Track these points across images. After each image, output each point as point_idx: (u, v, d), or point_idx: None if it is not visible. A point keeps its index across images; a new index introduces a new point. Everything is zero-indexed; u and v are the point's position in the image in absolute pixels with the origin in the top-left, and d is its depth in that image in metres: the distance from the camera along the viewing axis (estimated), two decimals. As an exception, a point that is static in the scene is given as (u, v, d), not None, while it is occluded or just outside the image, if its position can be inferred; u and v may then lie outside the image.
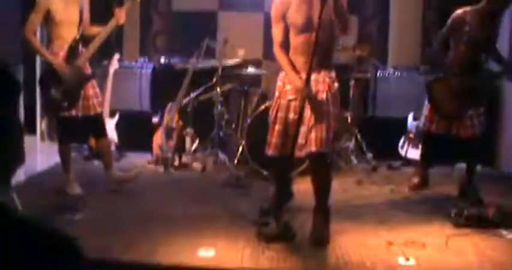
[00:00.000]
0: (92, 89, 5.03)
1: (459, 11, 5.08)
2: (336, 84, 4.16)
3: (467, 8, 5.06)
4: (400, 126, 6.59)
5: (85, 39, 5.05)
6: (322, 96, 4.04)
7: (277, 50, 4.19)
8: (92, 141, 6.15)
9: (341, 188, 5.42)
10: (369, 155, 6.45)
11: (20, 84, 1.38)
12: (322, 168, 4.16)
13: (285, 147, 4.12)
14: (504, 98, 6.62)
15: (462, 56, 5.12)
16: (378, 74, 6.93)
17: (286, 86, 4.16)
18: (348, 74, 6.51)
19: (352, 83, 6.51)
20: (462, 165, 5.51)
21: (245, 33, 7.25)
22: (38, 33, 5.19)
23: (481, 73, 5.18)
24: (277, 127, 4.16)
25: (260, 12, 7.36)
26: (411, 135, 6.46)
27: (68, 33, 4.90)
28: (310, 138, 4.00)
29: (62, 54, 4.89)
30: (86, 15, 5.04)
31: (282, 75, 4.23)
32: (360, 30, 7.41)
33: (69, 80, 4.87)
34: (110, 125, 6.25)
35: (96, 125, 5.19)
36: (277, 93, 4.22)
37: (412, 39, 7.17)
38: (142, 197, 5.10)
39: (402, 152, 6.55)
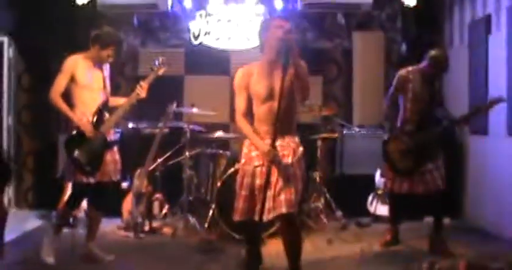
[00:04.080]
0: (110, 155, 5.00)
1: (403, 71, 5.48)
2: (301, 149, 4.24)
3: (410, 68, 5.46)
4: (368, 183, 6.69)
5: (108, 107, 5.05)
6: (288, 160, 4.12)
7: (239, 119, 4.25)
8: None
9: (312, 248, 5.43)
10: (339, 213, 6.49)
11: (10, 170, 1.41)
12: (292, 228, 4.18)
13: (251, 212, 4.15)
14: (468, 151, 6.78)
15: (410, 113, 5.40)
16: (344, 132, 7.06)
17: (251, 152, 4.21)
18: (315, 133, 6.63)
19: (319, 142, 6.62)
20: (430, 219, 5.58)
21: (212, 97, 7.35)
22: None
23: (431, 128, 5.35)
24: (243, 193, 4.19)
25: (226, 76, 7.50)
26: (379, 192, 6.55)
27: (91, 99, 4.90)
28: (280, 201, 4.02)
29: (86, 119, 4.87)
30: (108, 83, 5.06)
31: (247, 142, 4.29)
32: (325, 91, 7.58)
33: (93, 145, 4.84)
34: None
35: (106, 193, 5.11)
36: (243, 160, 4.27)
37: (376, 97, 7.32)
38: (113, 263, 5.02)
39: (371, 209, 6.63)
